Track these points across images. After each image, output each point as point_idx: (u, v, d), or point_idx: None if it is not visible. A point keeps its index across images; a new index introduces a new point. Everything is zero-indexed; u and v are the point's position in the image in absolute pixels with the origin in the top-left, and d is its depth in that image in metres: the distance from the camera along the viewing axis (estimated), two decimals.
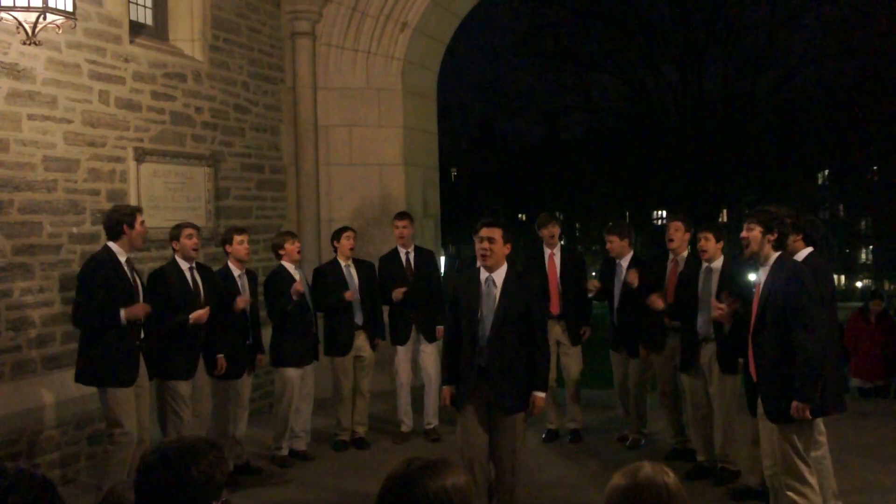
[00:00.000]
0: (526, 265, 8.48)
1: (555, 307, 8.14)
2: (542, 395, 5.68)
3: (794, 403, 5.11)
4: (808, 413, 5.12)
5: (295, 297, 7.53)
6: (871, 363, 11.11)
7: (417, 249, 8.52)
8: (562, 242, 8.52)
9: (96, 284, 6.06)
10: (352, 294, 7.97)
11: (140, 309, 6.15)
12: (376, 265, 8.51)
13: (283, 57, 10.32)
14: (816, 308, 5.17)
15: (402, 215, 8.59)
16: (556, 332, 8.13)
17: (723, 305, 6.18)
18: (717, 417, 6.85)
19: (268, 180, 10.04)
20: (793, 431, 5.21)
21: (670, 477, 2.41)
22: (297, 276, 7.70)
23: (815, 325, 5.11)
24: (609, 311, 8.19)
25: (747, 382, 5.73)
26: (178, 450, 2.50)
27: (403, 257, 8.40)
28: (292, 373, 7.64)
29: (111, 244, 6.23)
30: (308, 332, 7.77)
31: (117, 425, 6.11)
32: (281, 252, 7.74)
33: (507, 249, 5.67)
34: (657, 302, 7.20)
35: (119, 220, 6.22)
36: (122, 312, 6.03)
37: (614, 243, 7.94)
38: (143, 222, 6.34)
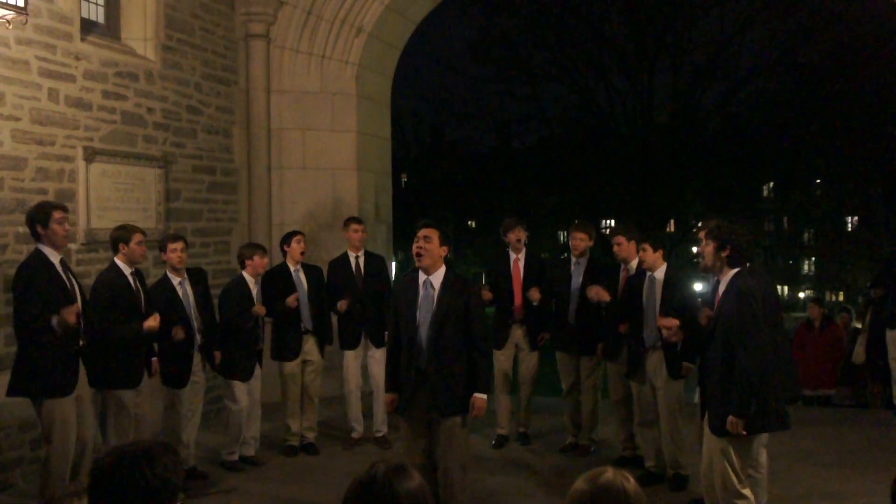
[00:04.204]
0: (491, 269, 8.55)
1: (518, 311, 8.18)
2: (482, 396, 5.70)
3: (730, 418, 5.19)
4: (741, 428, 5.18)
5: (255, 316, 7.51)
6: (816, 372, 11.27)
7: (367, 254, 8.49)
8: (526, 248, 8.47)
9: (32, 293, 5.79)
10: (294, 299, 7.85)
11: (71, 311, 5.77)
12: (327, 269, 8.47)
13: (237, 59, 10.23)
14: (758, 328, 5.23)
15: (356, 219, 8.56)
16: (517, 335, 8.20)
17: (670, 324, 6.17)
18: (664, 424, 6.93)
19: (219, 183, 9.94)
20: (731, 445, 5.28)
21: (630, 482, 2.45)
22: (254, 290, 7.65)
23: (753, 345, 5.17)
24: (558, 310, 8.12)
25: (701, 389, 5.80)
26: (133, 453, 2.47)
27: (353, 262, 8.37)
28: (240, 385, 7.58)
29: (41, 246, 5.94)
30: (255, 346, 7.71)
31: (49, 440, 5.89)
32: (248, 262, 7.66)
33: (443, 251, 5.77)
34: (602, 294, 7.42)
35: (32, 221, 5.94)
36: (53, 319, 5.72)
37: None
38: (61, 220, 5.96)
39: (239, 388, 7.57)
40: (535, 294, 8.00)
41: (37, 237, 5.97)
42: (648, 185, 30.95)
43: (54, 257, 5.97)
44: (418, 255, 5.66)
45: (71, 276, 6.12)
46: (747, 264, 5.80)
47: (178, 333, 6.92)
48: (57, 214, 5.97)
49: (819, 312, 11.58)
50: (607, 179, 34.30)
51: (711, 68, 31.03)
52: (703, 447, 5.62)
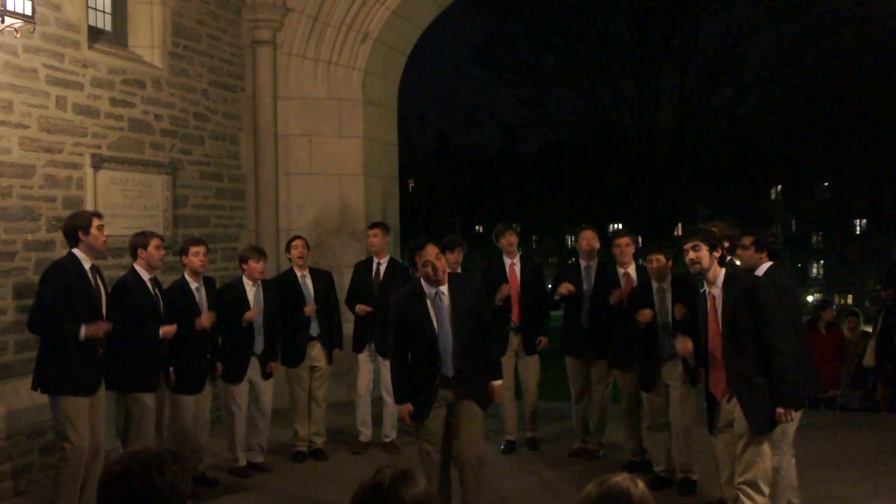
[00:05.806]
0: (486, 275, 8.39)
1: (515, 317, 8.13)
2: (498, 382, 5.91)
3: (779, 410, 5.28)
4: (793, 415, 5.34)
5: (244, 325, 7.48)
6: (821, 373, 11.25)
7: (391, 261, 8.44)
8: (520, 252, 8.47)
9: (56, 292, 5.89)
10: (311, 309, 7.92)
11: (101, 327, 5.98)
12: (335, 275, 8.47)
13: (244, 65, 10.26)
14: (779, 316, 5.30)
15: (372, 224, 8.56)
16: (515, 342, 8.14)
17: (689, 345, 6.03)
18: (677, 429, 6.90)
19: (226, 189, 9.96)
20: (768, 440, 5.40)
21: (638, 487, 2.46)
22: (251, 295, 7.62)
23: (785, 332, 5.27)
24: (568, 314, 8.03)
25: (708, 399, 5.79)
26: (141, 460, 2.47)
27: (374, 267, 8.36)
28: (232, 388, 7.58)
29: (75, 251, 6.07)
30: (245, 353, 7.60)
31: (65, 440, 5.93)
32: (243, 266, 7.67)
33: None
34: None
35: (74, 227, 6.08)
36: (83, 329, 5.86)
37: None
38: (100, 227, 6.14)
39: (232, 391, 7.57)
40: (565, 288, 7.83)
41: (74, 242, 6.08)
42: (655, 188, 30.93)
43: (86, 263, 6.08)
44: (435, 274, 5.62)
45: (100, 282, 6.21)
46: (770, 263, 5.95)
47: (203, 322, 6.99)
48: (97, 221, 6.14)
49: (832, 317, 11.62)
50: (614, 183, 34.32)
51: (718, 72, 31.05)
52: (719, 450, 5.67)
